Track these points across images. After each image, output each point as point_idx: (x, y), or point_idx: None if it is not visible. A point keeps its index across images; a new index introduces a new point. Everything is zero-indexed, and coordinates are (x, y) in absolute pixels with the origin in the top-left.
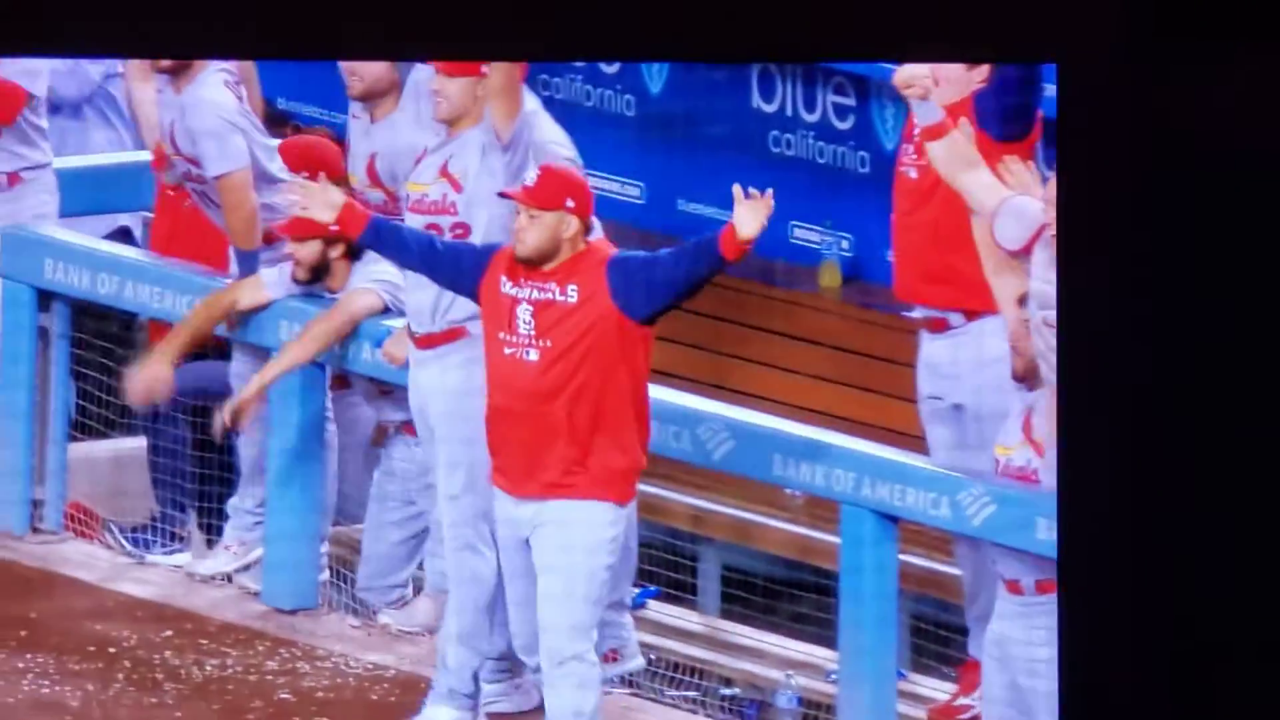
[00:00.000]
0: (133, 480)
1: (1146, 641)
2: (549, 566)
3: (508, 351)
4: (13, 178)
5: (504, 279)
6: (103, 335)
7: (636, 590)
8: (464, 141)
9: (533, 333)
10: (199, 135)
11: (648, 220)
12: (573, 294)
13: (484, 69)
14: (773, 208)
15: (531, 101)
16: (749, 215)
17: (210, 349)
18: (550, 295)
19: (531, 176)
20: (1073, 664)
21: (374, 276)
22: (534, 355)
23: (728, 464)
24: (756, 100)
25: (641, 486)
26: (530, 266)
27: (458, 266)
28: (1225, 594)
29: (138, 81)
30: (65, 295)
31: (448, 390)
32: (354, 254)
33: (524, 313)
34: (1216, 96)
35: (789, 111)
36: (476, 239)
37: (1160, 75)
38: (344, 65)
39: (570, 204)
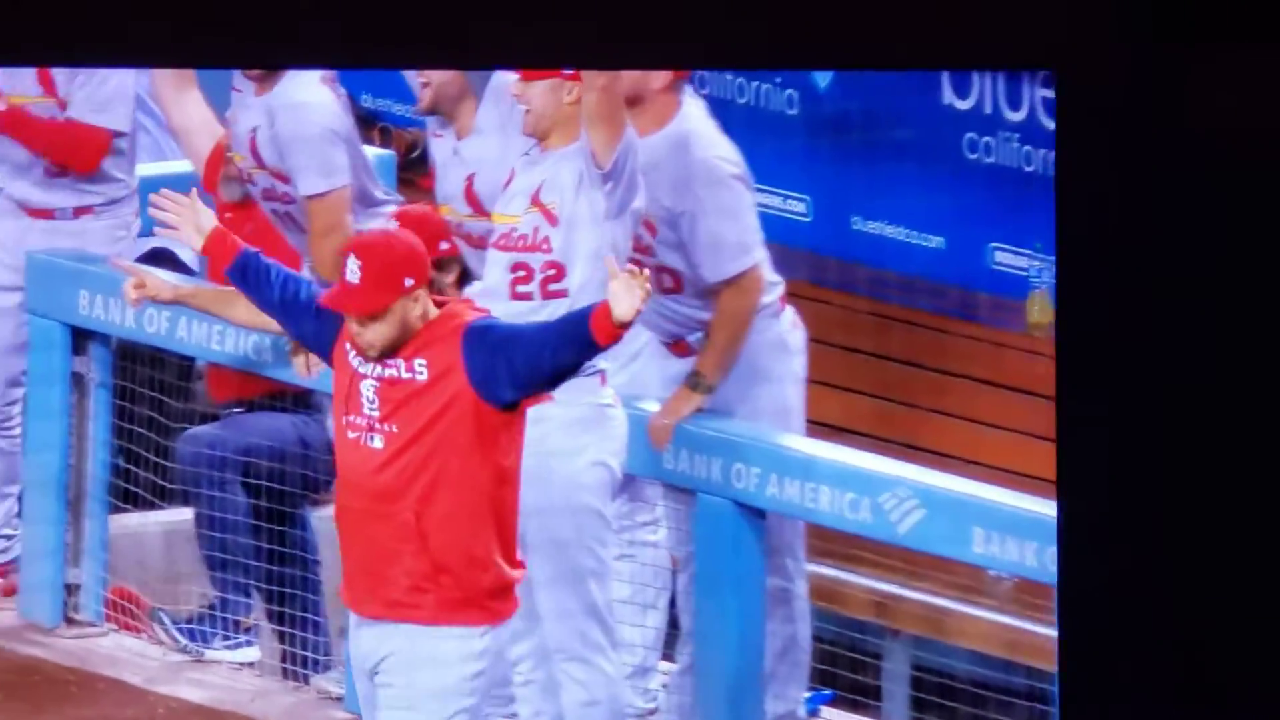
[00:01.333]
0: (188, 560)
1: (1148, 667)
2: (393, 705)
3: (351, 435)
4: (80, 210)
5: (349, 347)
6: (151, 384)
7: (808, 694)
8: (558, 164)
9: (377, 414)
10: (291, 145)
11: (816, 241)
12: (422, 370)
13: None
14: (649, 290)
15: (693, 105)
16: (624, 294)
17: (267, 399)
18: (395, 371)
19: (354, 271)
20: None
21: None
22: (378, 442)
23: (917, 539)
24: (948, 96)
25: (814, 568)
26: None
27: (320, 322)
28: (1231, 614)
29: (172, 89)
30: (105, 335)
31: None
32: (463, 281)
33: (367, 389)
34: (1216, 99)
35: (988, 109)
36: (571, 287)
37: (1159, 79)
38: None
39: (409, 283)
